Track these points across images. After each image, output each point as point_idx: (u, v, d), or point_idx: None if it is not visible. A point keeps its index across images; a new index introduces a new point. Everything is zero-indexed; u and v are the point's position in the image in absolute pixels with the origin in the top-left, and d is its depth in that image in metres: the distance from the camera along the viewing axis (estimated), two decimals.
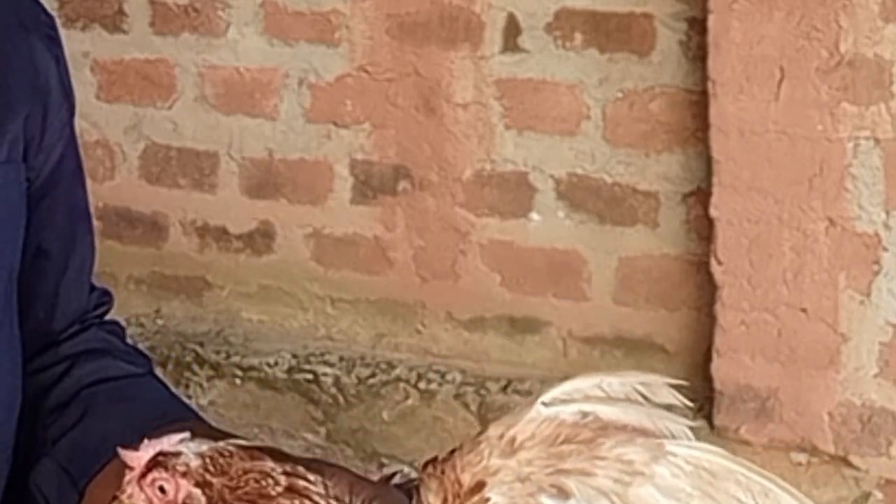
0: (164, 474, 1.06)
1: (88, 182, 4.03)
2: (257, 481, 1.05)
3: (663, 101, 3.20)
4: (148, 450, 1.08)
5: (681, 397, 1.05)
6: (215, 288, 3.74)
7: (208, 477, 1.06)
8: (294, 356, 3.52)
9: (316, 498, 1.05)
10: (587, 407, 1.06)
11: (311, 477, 1.07)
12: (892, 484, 2.96)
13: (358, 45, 3.52)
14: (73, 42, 3.84)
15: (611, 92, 3.26)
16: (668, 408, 1.09)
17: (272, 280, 3.67)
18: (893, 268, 2.88)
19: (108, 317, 1.42)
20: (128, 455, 1.08)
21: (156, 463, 1.07)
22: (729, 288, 3.00)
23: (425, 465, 1.08)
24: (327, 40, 3.55)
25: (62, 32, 4.06)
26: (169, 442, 1.08)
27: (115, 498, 1.08)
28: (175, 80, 3.76)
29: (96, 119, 3.86)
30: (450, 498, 1.03)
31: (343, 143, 3.57)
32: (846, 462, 2.96)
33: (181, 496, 1.06)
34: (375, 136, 3.53)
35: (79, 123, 3.90)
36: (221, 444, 1.09)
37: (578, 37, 3.27)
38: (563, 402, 1.07)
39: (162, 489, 1.06)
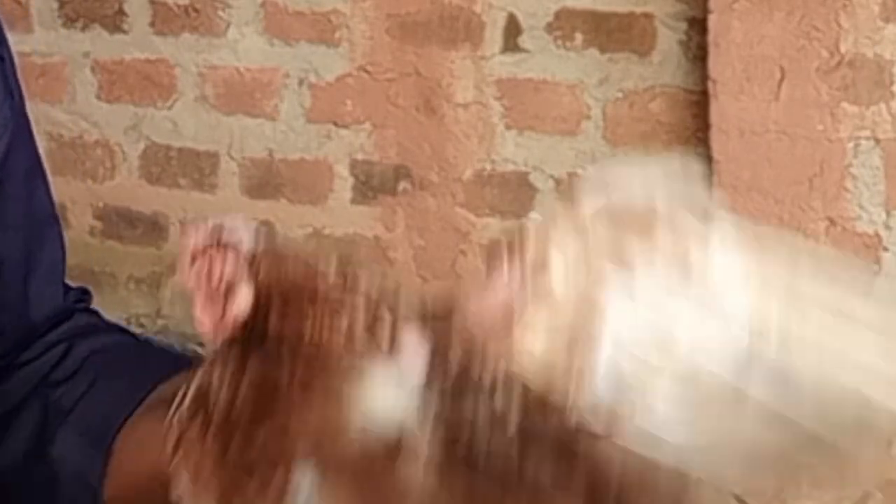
0: (217, 252, 1.02)
1: (88, 182, 4.05)
2: (309, 264, 1.02)
3: (663, 101, 3.20)
4: (201, 228, 1.04)
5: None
6: None
7: (259, 258, 1.02)
8: None
9: (362, 291, 1.01)
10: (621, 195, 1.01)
11: (362, 271, 1.03)
12: (892, 484, 2.96)
13: (358, 45, 3.52)
14: (73, 42, 3.85)
15: (611, 92, 3.26)
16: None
17: None
18: (894, 268, 2.88)
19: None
20: (187, 228, 1.07)
21: (210, 242, 1.02)
22: None
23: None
24: (327, 40, 3.55)
25: (62, 32, 4.09)
26: (232, 221, 1.04)
27: (169, 274, 1.04)
28: (175, 80, 3.76)
29: (96, 119, 3.86)
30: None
31: (343, 143, 3.58)
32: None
33: (229, 272, 1.02)
34: (376, 136, 3.53)
35: (79, 123, 3.92)
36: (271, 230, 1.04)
37: (579, 37, 3.27)
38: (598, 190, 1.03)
39: (212, 268, 1.02)
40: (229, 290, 1.01)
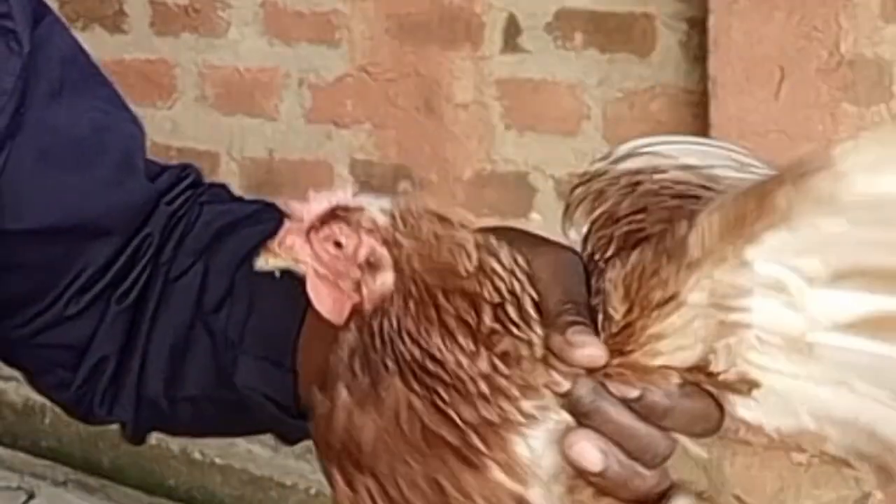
0: (345, 228, 0.92)
1: None
2: (450, 252, 0.88)
3: (663, 101, 3.20)
4: (321, 200, 0.94)
5: None
6: None
7: (398, 237, 0.90)
8: None
9: (500, 284, 0.87)
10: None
11: (503, 256, 0.88)
12: None
13: (358, 46, 3.52)
14: None
15: (611, 92, 3.26)
16: None
17: None
18: None
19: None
20: (294, 206, 0.94)
21: (333, 216, 0.93)
22: None
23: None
24: (327, 40, 3.55)
25: None
26: (344, 194, 0.94)
27: (266, 248, 0.93)
28: (175, 80, 3.76)
29: None
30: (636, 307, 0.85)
31: (343, 144, 3.58)
32: (846, 462, 2.96)
33: (363, 253, 0.90)
34: (376, 137, 3.53)
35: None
36: (410, 203, 0.91)
37: (578, 37, 3.27)
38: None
39: (338, 244, 0.91)
40: (362, 268, 0.90)
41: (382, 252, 0.90)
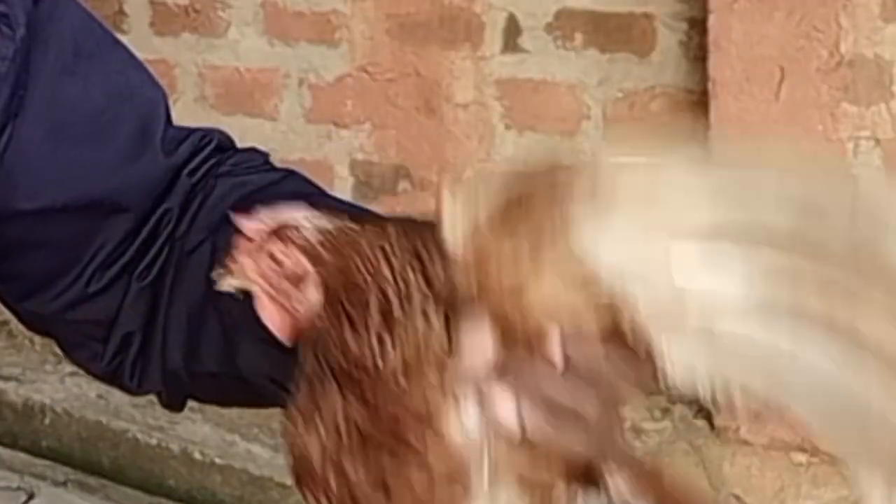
0: (282, 247, 0.95)
1: None
2: (354, 254, 0.92)
3: (663, 101, 3.20)
4: (265, 220, 0.97)
5: None
6: None
7: (323, 252, 0.94)
8: None
9: (398, 277, 0.90)
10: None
11: (397, 249, 0.92)
12: None
13: (358, 46, 3.52)
14: None
15: (611, 92, 3.26)
16: None
17: None
18: None
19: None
20: (244, 223, 0.97)
21: (275, 235, 0.95)
22: None
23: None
24: (327, 40, 3.55)
25: None
26: (289, 214, 0.96)
27: (224, 267, 0.98)
28: (175, 80, 3.76)
29: None
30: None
31: (343, 144, 3.58)
32: (846, 462, 2.96)
33: (295, 270, 0.94)
34: (376, 137, 3.53)
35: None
36: (349, 223, 0.95)
37: (579, 37, 3.28)
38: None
39: (278, 262, 0.95)
40: (297, 286, 0.94)
41: (308, 268, 0.94)
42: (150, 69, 1.33)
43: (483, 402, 0.87)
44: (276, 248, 0.95)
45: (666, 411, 3.18)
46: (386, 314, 0.90)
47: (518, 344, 0.86)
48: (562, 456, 0.87)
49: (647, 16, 3.19)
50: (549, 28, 3.30)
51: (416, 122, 3.45)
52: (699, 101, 3.07)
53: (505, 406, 0.86)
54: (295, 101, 3.62)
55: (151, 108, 1.34)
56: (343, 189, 3.58)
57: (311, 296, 0.93)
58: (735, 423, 3.02)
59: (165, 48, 3.76)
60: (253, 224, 0.97)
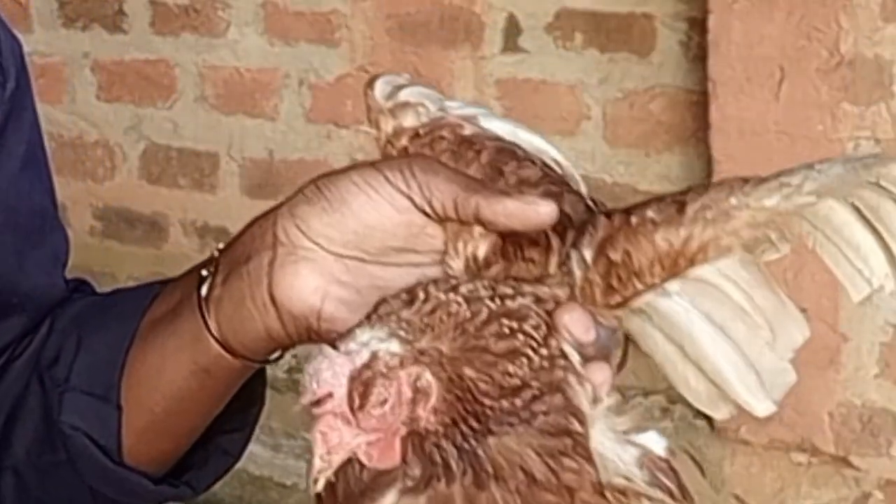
0: (384, 381, 0.88)
1: (88, 182, 4.04)
2: (446, 313, 0.90)
3: (663, 101, 3.20)
4: (332, 381, 0.87)
5: None
6: None
7: (416, 345, 0.89)
8: (294, 356, 3.50)
9: (483, 292, 0.91)
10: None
11: (442, 282, 0.92)
12: (892, 484, 2.96)
13: (358, 46, 3.52)
14: (73, 42, 3.85)
15: (611, 92, 3.26)
16: None
17: None
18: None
19: None
20: (323, 408, 0.87)
21: (365, 383, 0.87)
22: None
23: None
24: (327, 40, 3.55)
25: (62, 32, 4.08)
26: (342, 359, 0.88)
27: (315, 469, 0.87)
28: (175, 80, 3.76)
29: (96, 119, 3.86)
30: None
31: (343, 144, 3.58)
32: (846, 462, 2.96)
33: (406, 388, 0.88)
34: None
35: (78, 123, 3.92)
36: (381, 309, 0.91)
37: (578, 37, 3.28)
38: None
39: (382, 402, 0.87)
40: (418, 399, 0.88)
41: (418, 371, 0.89)
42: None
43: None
44: (376, 391, 0.88)
45: (666, 411, 3.18)
46: (513, 359, 0.91)
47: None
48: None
49: (647, 16, 3.19)
50: (549, 28, 3.30)
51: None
52: (699, 101, 3.07)
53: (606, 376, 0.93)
54: (295, 101, 3.62)
55: (64, 245, 1.32)
56: None
57: (429, 390, 0.89)
58: (735, 423, 3.02)
59: (165, 48, 3.75)
60: (328, 400, 0.88)
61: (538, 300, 0.93)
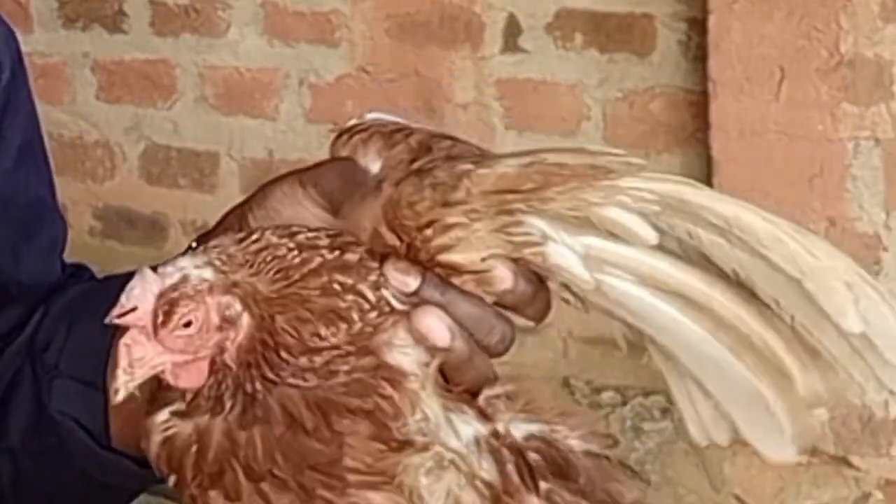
0: (190, 303, 0.88)
1: (88, 182, 4.04)
2: (273, 256, 0.90)
3: (663, 101, 3.20)
4: (143, 299, 0.89)
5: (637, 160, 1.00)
6: None
7: (231, 276, 0.89)
8: None
9: (323, 241, 0.92)
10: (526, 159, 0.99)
11: (294, 227, 0.93)
12: (892, 484, 2.96)
13: (358, 46, 3.52)
14: (73, 42, 3.85)
15: (611, 92, 3.26)
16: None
17: None
18: (894, 268, 2.88)
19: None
20: (127, 318, 0.89)
21: (170, 302, 0.89)
22: None
23: (333, 153, 1.01)
24: (327, 41, 3.55)
25: (62, 32, 4.08)
26: (154, 279, 0.89)
27: (115, 378, 0.89)
28: (175, 80, 3.76)
29: (96, 119, 3.86)
30: (416, 242, 0.93)
31: None
32: (846, 462, 2.96)
33: (214, 315, 0.89)
34: None
35: (79, 124, 3.92)
36: (201, 247, 0.91)
37: (578, 37, 3.28)
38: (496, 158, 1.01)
39: (187, 324, 0.89)
40: (226, 327, 0.90)
41: (229, 300, 0.90)
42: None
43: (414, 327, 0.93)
44: (180, 311, 0.89)
45: (666, 411, 3.18)
46: (329, 303, 0.91)
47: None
48: (473, 373, 0.94)
49: (647, 16, 3.19)
50: (549, 28, 3.30)
51: (416, 121, 3.45)
52: (699, 101, 3.07)
53: (435, 320, 0.93)
54: (295, 101, 3.62)
55: (61, 235, 1.35)
56: None
57: (241, 322, 0.90)
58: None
59: (165, 48, 3.75)
60: (132, 313, 0.90)
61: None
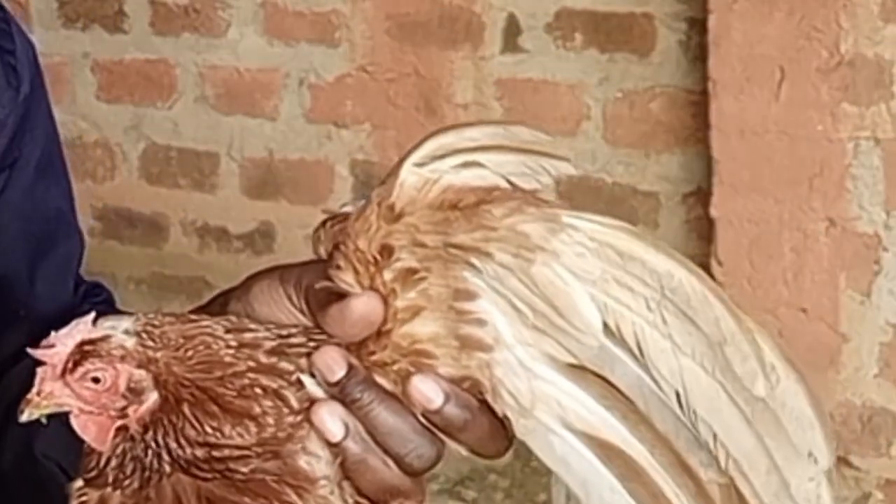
0: (98, 363, 0.91)
1: (88, 182, 4.05)
2: (206, 346, 0.92)
3: (663, 101, 3.20)
4: (64, 341, 0.92)
5: (543, 136, 0.95)
6: (215, 288, 3.73)
7: (150, 353, 0.92)
8: None
9: (267, 344, 0.92)
10: (461, 159, 0.94)
11: (252, 324, 0.94)
12: (892, 484, 2.96)
13: (358, 46, 3.52)
14: (73, 42, 3.85)
15: (611, 92, 3.26)
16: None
17: None
18: (894, 268, 2.88)
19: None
20: (42, 353, 0.92)
21: (83, 354, 0.92)
22: (729, 288, 2.99)
23: (315, 240, 0.99)
24: (327, 40, 3.55)
25: (62, 32, 4.08)
26: (85, 327, 0.92)
27: (26, 401, 0.93)
28: (175, 80, 3.76)
29: (96, 119, 3.86)
30: (361, 269, 0.92)
31: (343, 144, 3.58)
32: (846, 462, 2.96)
33: (122, 382, 0.91)
34: (376, 137, 3.53)
35: (79, 123, 3.92)
36: (149, 315, 0.94)
37: (578, 37, 3.28)
38: (435, 158, 0.96)
39: (95, 379, 0.91)
40: (131, 396, 0.92)
41: (140, 374, 0.92)
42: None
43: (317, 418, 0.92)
44: (88, 365, 0.92)
45: None
46: (237, 389, 0.92)
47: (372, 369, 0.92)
48: (370, 476, 0.93)
49: (647, 16, 3.19)
50: (549, 28, 3.30)
51: (416, 122, 3.45)
52: (699, 101, 3.07)
53: (328, 415, 0.91)
54: (295, 101, 3.62)
55: (77, 252, 1.35)
56: (343, 189, 3.58)
57: (148, 398, 0.92)
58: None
59: (165, 48, 3.75)
60: (51, 350, 0.93)
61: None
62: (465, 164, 0.94)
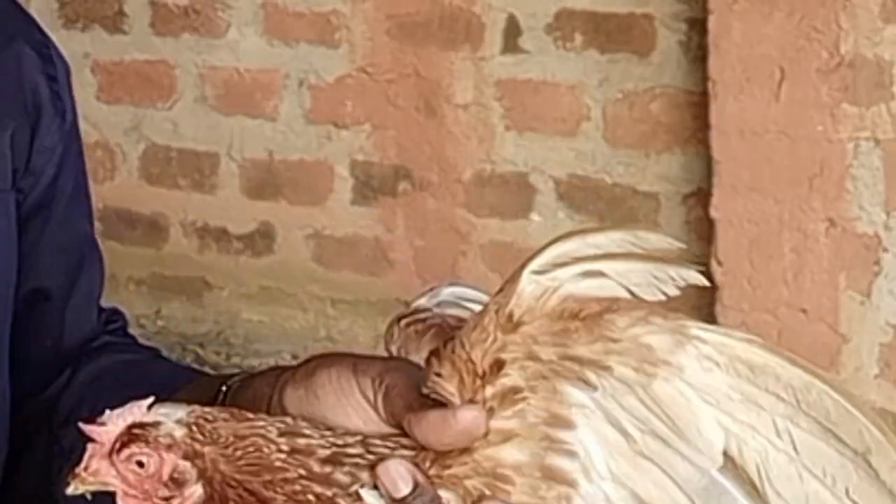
0: (144, 448, 0.92)
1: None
2: (256, 448, 0.91)
3: (663, 101, 3.20)
4: (116, 421, 0.93)
5: (677, 243, 0.90)
6: (215, 289, 3.74)
7: (197, 446, 0.92)
8: (294, 357, 3.52)
9: (322, 452, 0.91)
10: (583, 267, 0.89)
11: (307, 429, 0.92)
12: None
13: (358, 46, 3.52)
14: (73, 42, 3.85)
15: (611, 92, 3.26)
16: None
17: (272, 281, 3.68)
18: (894, 269, 2.88)
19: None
20: (92, 430, 0.93)
21: (131, 437, 0.92)
22: (729, 289, 3.00)
23: (387, 337, 0.98)
24: (327, 41, 3.55)
25: (62, 33, 4.08)
26: (139, 411, 0.93)
27: (73, 475, 0.94)
28: (175, 80, 3.76)
29: (96, 119, 3.86)
30: (467, 380, 0.88)
31: (343, 144, 3.58)
32: None
33: (166, 471, 0.92)
34: (376, 137, 3.53)
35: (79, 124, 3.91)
36: (206, 409, 0.94)
37: (578, 37, 3.28)
38: (556, 266, 0.90)
39: (140, 463, 0.92)
40: (173, 486, 0.92)
41: (185, 466, 0.92)
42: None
43: None
44: (134, 449, 0.92)
45: None
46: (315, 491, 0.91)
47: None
48: None
49: (647, 16, 3.19)
50: (549, 28, 3.30)
51: (416, 122, 3.45)
52: (699, 101, 3.07)
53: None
54: (295, 101, 3.62)
55: (100, 278, 1.36)
56: (343, 189, 3.58)
57: (191, 492, 0.92)
58: None
59: (165, 48, 3.75)
60: (102, 428, 0.94)
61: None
62: (587, 274, 0.89)
